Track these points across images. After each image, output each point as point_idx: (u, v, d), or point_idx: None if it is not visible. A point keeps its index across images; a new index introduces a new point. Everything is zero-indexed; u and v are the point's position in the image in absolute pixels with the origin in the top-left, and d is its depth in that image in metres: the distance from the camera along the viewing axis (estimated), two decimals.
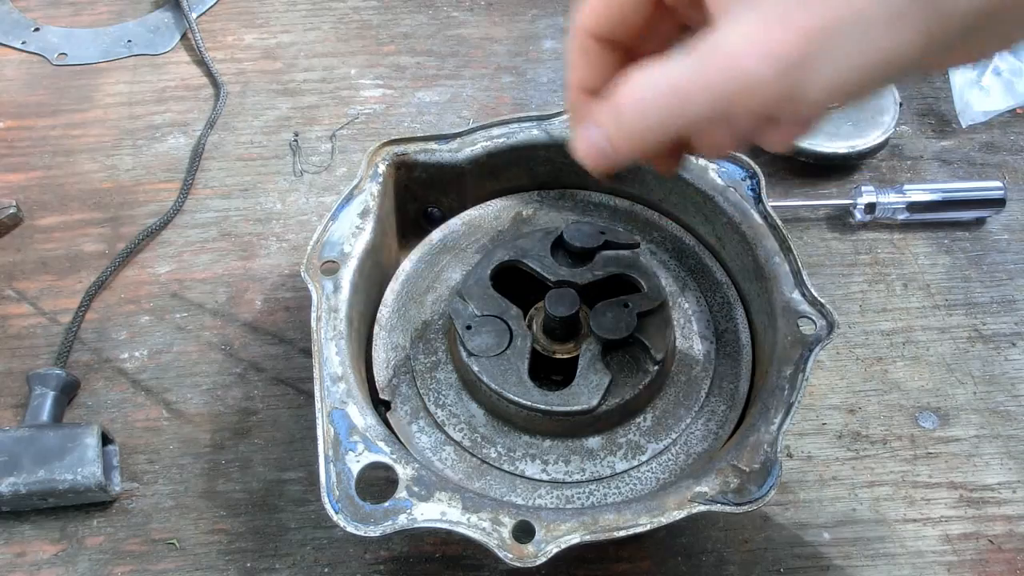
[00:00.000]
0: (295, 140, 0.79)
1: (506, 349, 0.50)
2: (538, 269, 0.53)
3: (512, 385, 0.49)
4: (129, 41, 0.87)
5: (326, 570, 0.55)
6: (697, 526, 0.57)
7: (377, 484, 0.46)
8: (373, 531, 0.43)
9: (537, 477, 0.50)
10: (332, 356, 0.50)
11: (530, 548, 0.43)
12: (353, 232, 0.55)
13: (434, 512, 0.44)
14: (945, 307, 0.69)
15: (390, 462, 0.46)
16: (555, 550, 0.43)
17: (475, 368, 0.49)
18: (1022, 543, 0.57)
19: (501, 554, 0.43)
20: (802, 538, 0.57)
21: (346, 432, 0.47)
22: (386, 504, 0.44)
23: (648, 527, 0.44)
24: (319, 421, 0.47)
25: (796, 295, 0.53)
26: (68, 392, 0.61)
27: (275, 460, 0.60)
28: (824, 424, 0.62)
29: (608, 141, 0.37)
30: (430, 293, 0.57)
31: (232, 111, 0.81)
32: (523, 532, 0.44)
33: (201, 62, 0.85)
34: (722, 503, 0.45)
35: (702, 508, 0.44)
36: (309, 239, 0.55)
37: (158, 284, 0.69)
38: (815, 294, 0.52)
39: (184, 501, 0.58)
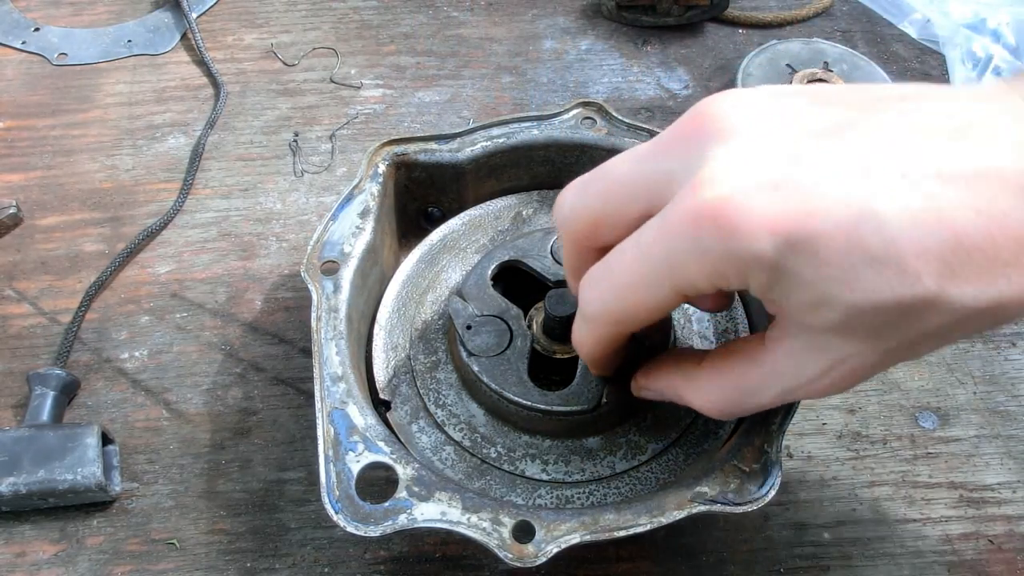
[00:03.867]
0: (295, 140, 0.79)
1: (506, 349, 0.50)
2: (538, 269, 0.53)
3: (512, 385, 0.49)
4: (129, 41, 0.87)
5: (326, 570, 0.55)
6: (697, 526, 0.57)
7: (377, 484, 0.46)
8: (373, 531, 0.43)
9: (537, 477, 0.50)
10: (332, 356, 0.50)
11: (530, 548, 0.43)
12: (353, 232, 0.55)
13: (434, 512, 0.44)
14: None
15: (390, 462, 0.46)
16: (555, 550, 0.43)
17: (475, 368, 0.49)
18: (1022, 543, 0.57)
19: (501, 554, 0.43)
20: (802, 538, 0.57)
21: (346, 432, 0.47)
22: (386, 504, 0.44)
23: (648, 527, 0.44)
24: (319, 421, 0.47)
25: None
26: (68, 392, 0.61)
27: (275, 460, 0.60)
28: (824, 424, 0.62)
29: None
30: (430, 293, 0.57)
31: (232, 111, 0.81)
32: (523, 532, 0.44)
33: (201, 62, 0.85)
34: (722, 503, 0.45)
35: (702, 508, 0.44)
36: (309, 239, 0.55)
37: (158, 284, 0.69)
38: None
39: (184, 501, 0.58)
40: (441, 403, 0.53)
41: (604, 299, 0.38)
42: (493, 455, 0.51)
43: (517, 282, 0.53)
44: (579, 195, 0.40)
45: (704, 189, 0.32)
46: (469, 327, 0.50)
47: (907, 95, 0.34)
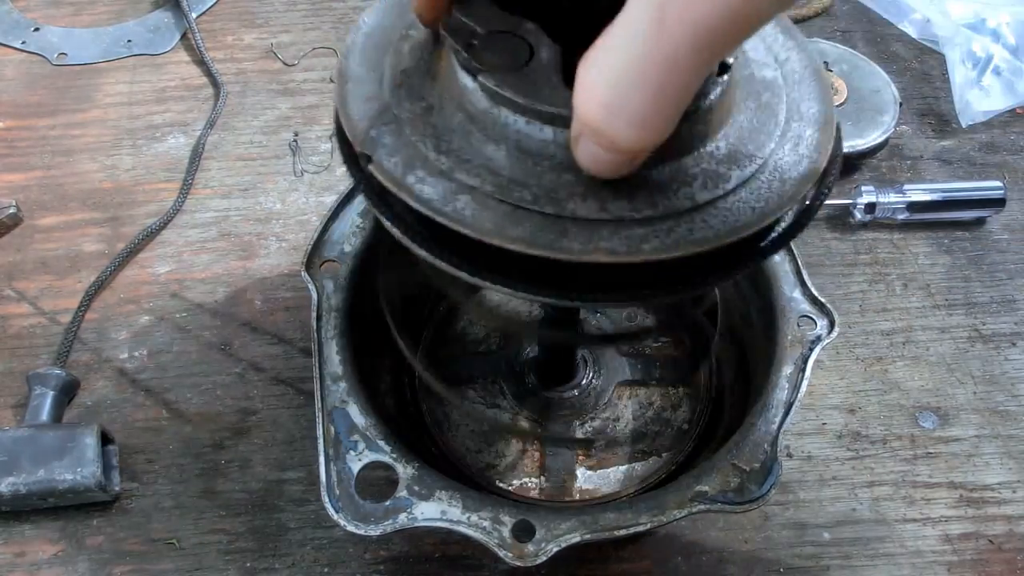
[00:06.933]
0: (295, 140, 0.79)
1: (527, 63, 0.38)
2: None
3: (546, 98, 0.36)
4: (129, 41, 0.87)
5: (326, 570, 0.55)
6: (697, 526, 0.57)
7: (377, 484, 0.46)
8: (373, 530, 0.43)
9: (595, 217, 0.37)
10: (332, 355, 0.50)
11: (530, 547, 0.43)
12: (353, 232, 0.55)
13: (434, 511, 0.44)
14: (945, 307, 0.69)
15: (390, 461, 0.46)
16: (555, 549, 0.43)
17: (492, 84, 0.37)
18: (1022, 543, 0.57)
19: (501, 553, 0.43)
20: (802, 538, 0.57)
21: (346, 431, 0.47)
22: (386, 503, 0.44)
23: (648, 526, 0.44)
24: (319, 420, 0.47)
25: (796, 294, 0.53)
26: (68, 392, 0.61)
27: (275, 460, 0.60)
28: (824, 424, 0.62)
29: (603, 154, 0.33)
30: (406, 42, 0.45)
31: (232, 111, 0.81)
32: (523, 531, 0.44)
33: (201, 62, 0.85)
34: (722, 502, 0.45)
35: (702, 508, 0.44)
36: (309, 239, 0.55)
37: (158, 284, 0.69)
38: (815, 293, 0.52)
39: (184, 501, 0.58)
40: (444, 149, 0.39)
41: None
42: (528, 197, 0.38)
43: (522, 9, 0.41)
44: None
45: None
46: (471, 45, 0.38)
47: None
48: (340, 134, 0.41)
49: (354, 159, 0.40)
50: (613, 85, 0.29)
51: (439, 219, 0.36)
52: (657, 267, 0.36)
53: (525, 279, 0.37)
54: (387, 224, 0.40)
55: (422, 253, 0.39)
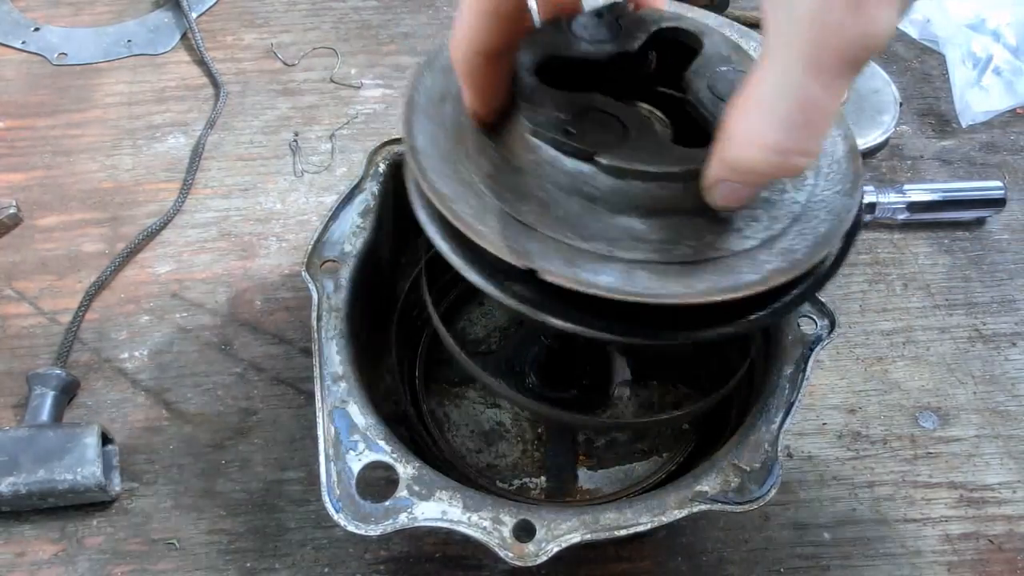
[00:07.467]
0: (295, 140, 0.79)
1: (627, 137, 0.38)
2: (583, 52, 0.41)
3: (673, 160, 0.37)
4: (129, 41, 0.87)
5: (326, 570, 0.55)
6: (698, 526, 0.57)
7: (377, 484, 0.46)
8: (373, 530, 0.43)
9: (741, 249, 0.39)
10: (333, 355, 0.50)
11: (530, 547, 0.43)
12: (354, 232, 0.55)
13: (435, 511, 0.44)
14: (945, 307, 0.69)
15: (391, 461, 0.46)
16: (555, 549, 0.43)
17: (622, 163, 0.37)
18: (1022, 543, 0.57)
19: (502, 553, 0.43)
20: (802, 538, 0.57)
21: (347, 431, 0.47)
22: (387, 503, 0.44)
23: (649, 526, 0.44)
24: (320, 420, 0.47)
25: None
26: (68, 392, 0.61)
27: (275, 460, 0.60)
28: (824, 424, 0.62)
29: (744, 189, 0.37)
30: (469, 136, 0.42)
31: (232, 111, 0.81)
32: (524, 531, 0.44)
33: (201, 62, 0.85)
34: (723, 502, 0.45)
35: (703, 507, 0.44)
36: (309, 239, 0.55)
37: (158, 284, 0.69)
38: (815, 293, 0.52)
39: (184, 501, 0.58)
40: (587, 236, 0.39)
41: None
42: (690, 252, 0.38)
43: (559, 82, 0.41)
44: None
45: None
46: (569, 133, 0.37)
47: None
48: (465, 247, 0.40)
49: (506, 275, 0.39)
50: (784, 128, 0.32)
51: (649, 302, 0.36)
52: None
53: (695, 326, 0.39)
54: (574, 328, 0.39)
55: (618, 339, 0.39)
